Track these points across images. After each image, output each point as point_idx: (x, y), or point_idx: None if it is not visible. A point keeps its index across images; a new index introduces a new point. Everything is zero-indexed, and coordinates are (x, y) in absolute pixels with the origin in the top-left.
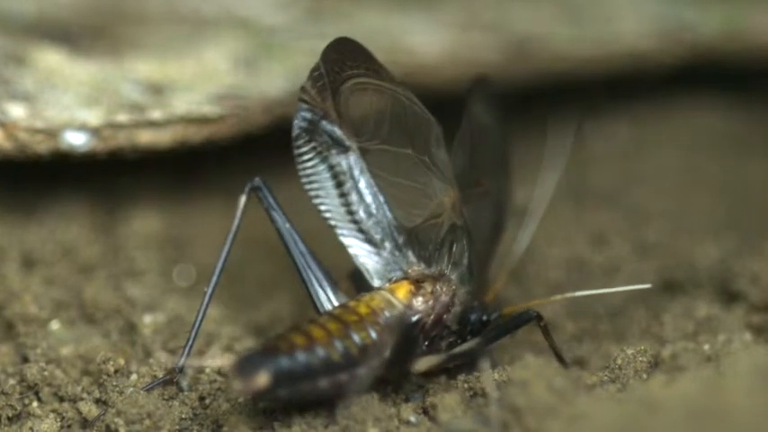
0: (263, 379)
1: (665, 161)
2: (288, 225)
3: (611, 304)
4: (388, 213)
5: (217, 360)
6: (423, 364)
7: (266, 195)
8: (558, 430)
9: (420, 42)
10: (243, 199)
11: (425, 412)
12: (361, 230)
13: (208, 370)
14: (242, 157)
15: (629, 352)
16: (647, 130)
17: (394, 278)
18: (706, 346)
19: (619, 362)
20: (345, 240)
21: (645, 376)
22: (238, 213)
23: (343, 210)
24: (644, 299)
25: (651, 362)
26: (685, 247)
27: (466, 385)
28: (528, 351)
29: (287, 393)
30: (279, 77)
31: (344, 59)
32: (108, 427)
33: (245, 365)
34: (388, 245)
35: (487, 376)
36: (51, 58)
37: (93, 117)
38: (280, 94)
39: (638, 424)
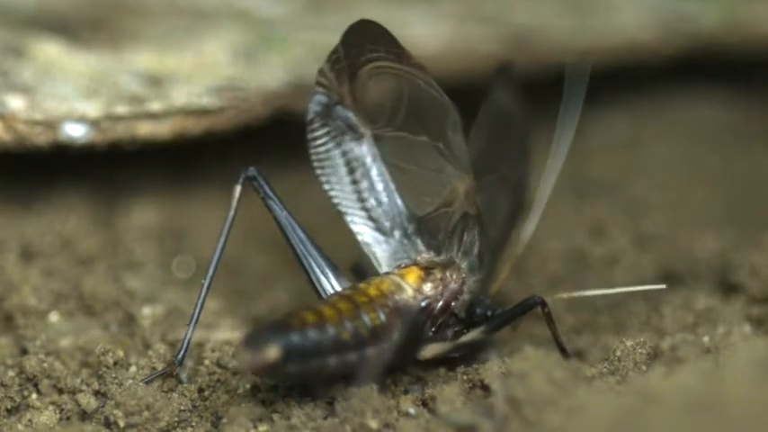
0: (273, 352)
1: (664, 153)
2: (285, 213)
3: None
4: (399, 202)
5: (226, 334)
6: (429, 351)
7: (262, 184)
8: (558, 422)
9: (420, 34)
10: (238, 189)
11: (424, 404)
12: (371, 218)
13: (207, 362)
14: (241, 149)
15: (629, 344)
16: (646, 121)
17: (403, 265)
18: (705, 338)
19: (618, 354)
20: (355, 227)
21: (644, 368)
22: (234, 203)
23: (353, 197)
24: (643, 291)
25: (650, 354)
26: (685, 239)
27: (465, 377)
28: (527, 343)
29: (296, 370)
30: (278, 69)
31: (364, 42)
32: (107, 418)
33: (256, 339)
34: (397, 233)
35: (492, 371)
36: (50, 50)
37: (93, 109)
38: (279, 87)
39: (637, 416)
